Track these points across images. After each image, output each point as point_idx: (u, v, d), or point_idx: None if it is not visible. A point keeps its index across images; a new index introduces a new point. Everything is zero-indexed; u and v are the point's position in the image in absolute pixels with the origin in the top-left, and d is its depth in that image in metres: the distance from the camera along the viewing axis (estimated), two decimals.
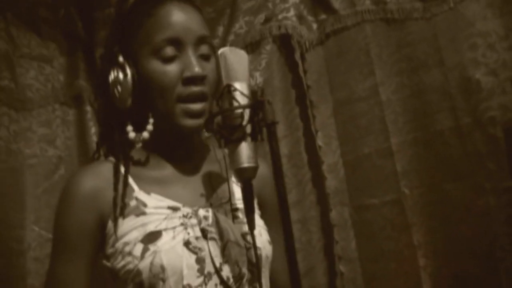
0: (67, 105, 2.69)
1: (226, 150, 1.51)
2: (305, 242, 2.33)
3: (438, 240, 2.16)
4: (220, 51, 1.35)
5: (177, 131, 1.39)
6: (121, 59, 1.37)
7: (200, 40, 1.38)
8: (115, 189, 1.35)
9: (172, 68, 1.35)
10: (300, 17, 2.37)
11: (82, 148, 2.67)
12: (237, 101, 1.39)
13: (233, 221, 1.39)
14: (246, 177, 1.31)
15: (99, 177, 1.38)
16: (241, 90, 1.35)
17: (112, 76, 1.39)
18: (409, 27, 2.21)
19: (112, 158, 1.43)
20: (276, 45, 2.40)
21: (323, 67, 2.38)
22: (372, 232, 2.26)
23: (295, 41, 2.34)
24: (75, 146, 2.68)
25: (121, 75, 1.36)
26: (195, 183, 1.44)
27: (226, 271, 1.30)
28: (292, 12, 2.34)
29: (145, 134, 1.39)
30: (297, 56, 2.34)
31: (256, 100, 1.36)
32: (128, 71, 1.36)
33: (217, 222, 1.35)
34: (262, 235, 1.41)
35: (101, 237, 1.35)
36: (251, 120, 1.36)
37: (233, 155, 1.31)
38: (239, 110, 1.34)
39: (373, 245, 2.26)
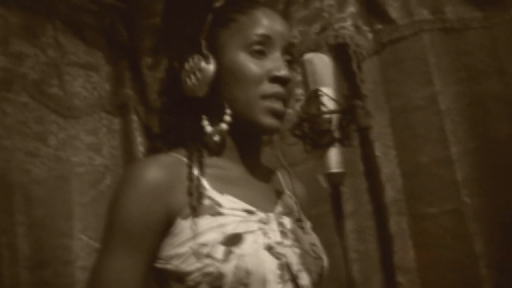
0: (112, 114, 2.67)
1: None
2: (362, 252, 2.32)
3: (501, 250, 2.14)
4: (305, 56, 1.36)
5: (253, 130, 1.38)
6: (205, 47, 1.36)
7: (289, 47, 1.40)
8: (190, 185, 1.29)
9: (260, 64, 1.34)
10: (356, 27, 2.38)
11: (128, 158, 2.66)
12: (325, 106, 1.39)
13: (301, 231, 1.39)
14: (335, 182, 1.30)
15: (168, 169, 1.30)
16: (329, 95, 1.35)
17: (190, 63, 1.36)
18: (468, 36, 2.23)
19: (176, 154, 1.36)
20: (332, 55, 2.40)
21: (378, 77, 2.38)
22: (430, 241, 2.24)
23: (352, 50, 2.35)
24: (120, 155, 2.67)
25: (202, 63, 1.34)
26: (261, 188, 1.43)
27: (301, 279, 1.28)
28: (349, 22, 2.36)
29: (223, 126, 1.35)
30: (355, 65, 2.34)
31: (347, 104, 1.36)
32: (212, 60, 1.34)
33: (292, 230, 1.34)
34: (320, 247, 1.43)
35: (162, 235, 1.26)
36: (340, 125, 1.35)
37: (321, 160, 1.30)
38: (327, 115, 1.33)
39: (432, 254, 2.24)
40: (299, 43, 2.45)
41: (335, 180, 1.31)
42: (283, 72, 1.34)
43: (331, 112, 1.39)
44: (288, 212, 1.41)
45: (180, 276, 1.22)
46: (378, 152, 2.32)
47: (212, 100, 1.36)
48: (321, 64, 1.39)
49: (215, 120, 1.36)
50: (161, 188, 1.26)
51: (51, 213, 2.41)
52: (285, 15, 2.52)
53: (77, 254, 2.42)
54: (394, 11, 2.34)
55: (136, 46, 2.71)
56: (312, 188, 2.34)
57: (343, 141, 1.49)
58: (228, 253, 1.19)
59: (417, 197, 2.29)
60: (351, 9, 2.36)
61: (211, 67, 1.33)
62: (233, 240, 1.21)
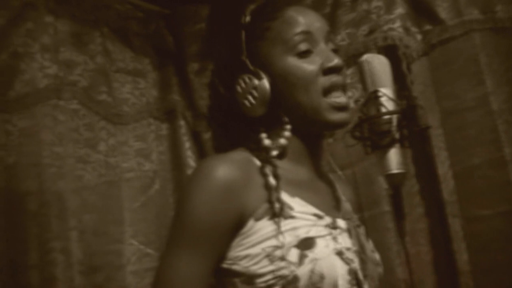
0: (160, 120, 2.70)
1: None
2: (413, 255, 2.30)
3: None
4: (363, 58, 1.35)
5: (319, 129, 1.37)
6: (250, 65, 1.33)
7: (329, 35, 1.36)
8: (266, 187, 1.25)
9: (311, 61, 1.31)
10: (405, 28, 2.36)
11: (176, 163, 2.67)
12: (385, 107, 1.38)
13: (363, 237, 1.36)
14: (395, 183, 1.29)
15: (241, 168, 1.26)
16: (388, 95, 1.34)
17: (242, 85, 1.34)
18: None
19: (245, 152, 1.34)
20: None
21: (428, 78, 2.36)
22: (484, 244, 2.21)
23: (402, 52, 2.33)
24: (169, 161, 2.68)
25: (255, 81, 1.31)
26: (326, 192, 1.41)
27: (366, 286, 1.26)
28: (398, 23, 2.33)
29: (282, 141, 1.33)
30: (404, 66, 2.32)
31: (407, 104, 1.35)
32: (263, 75, 1.31)
33: (357, 236, 1.32)
34: (377, 254, 1.39)
35: (232, 235, 1.23)
36: (400, 125, 1.34)
37: (382, 161, 1.28)
38: (387, 116, 1.33)
39: (486, 257, 2.20)
40: (347, 45, 2.45)
41: (395, 181, 1.30)
42: (335, 61, 1.30)
43: (391, 112, 1.39)
44: (349, 218, 1.38)
45: (250, 278, 1.19)
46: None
47: (270, 114, 1.33)
48: (379, 64, 1.39)
49: (274, 134, 1.35)
50: (233, 187, 1.23)
51: (103, 218, 2.44)
52: (332, 18, 2.52)
53: (128, 259, 2.45)
54: (443, 12, 2.31)
55: (182, 52, 2.73)
56: (364, 190, 2.36)
57: (403, 142, 1.48)
58: (303, 257, 1.17)
59: (470, 199, 2.25)
60: (400, 10, 2.34)
61: (265, 82, 1.31)
62: (306, 244, 1.19)
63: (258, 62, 1.33)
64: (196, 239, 1.22)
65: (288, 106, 1.33)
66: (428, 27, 2.36)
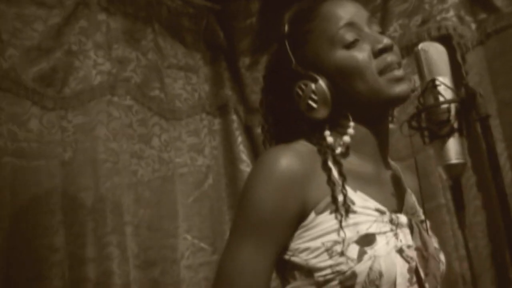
0: (212, 115, 2.71)
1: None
2: (471, 248, 2.25)
3: None
4: (420, 46, 1.31)
5: (384, 110, 1.36)
6: (302, 71, 1.32)
7: (371, 20, 1.35)
8: (330, 180, 1.24)
9: (361, 49, 1.30)
10: (459, 17, 2.31)
11: (229, 158, 2.68)
12: (442, 96, 1.35)
13: (426, 233, 1.33)
14: (455, 174, 1.26)
15: (304, 160, 1.25)
16: (446, 84, 1.31)
17: (299, 91, 1.32)
18: None
19: (308, 144, 1.33)
20: None
21: (484, 68, 2.30)
22: None
23: (456, 41, 2.28)
24: (221, 155, 2.70)
25: (312, 85, 1.30)
26: (389, 185, 1.38)
27: (426, 283, 1.24)
28: (452, 13, 2.29)
29: (346, 139, 1.32)
30: (459, 57, 2.28)
31: (466, 93, 1.31)
32: (318, 77, 1.30)
33: (420, 233, 1.29)
34: (441, 251, 1.36)
35: (294, 227, 1.23)
36: (459, 114, 1.31)
37: (441, 151, 1.25)
38: (445, 105, 1.29)
39: None
40: (400, 36, 2.41)
41: (455, 172, 1.26)
42: (384, 41, 1.29)
43: (449, 101, 1.35)
44: (413, 213, 1.37)
45: (309, 270, 1.19)
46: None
47: (334, 112, 1.32)
48: (436, 53, 1.36)
49: (338, 131, 1.34)
50: (297, 178, 1.23)
51: (157, 213, 2.47)
52: (384, 10, 2.49)
53: (182, 254, 2.47)
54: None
55: (233, 47, 2.74)
56: (422, 182, 2.32)
57: (463, 131, 1.45)
58: (362, 253, 1.16)
59: None
60: None
61: (321, 83, 1.30)
62: (367, 240, 1.18)
63: (309, 65, 1.33)
64: (260, 229, 1.23)
65: (349, 99, 1.32)
66: (483, 15, 2.31)
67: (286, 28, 1.38)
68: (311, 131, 1.36)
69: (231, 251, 1.26)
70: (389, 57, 1.30)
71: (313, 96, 1.30)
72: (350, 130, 1.32)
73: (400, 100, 1.33)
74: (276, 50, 1.42)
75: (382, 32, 1.36)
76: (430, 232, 1.36)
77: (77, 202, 2.29)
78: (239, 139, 2.64)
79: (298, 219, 1.22)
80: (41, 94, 2.29)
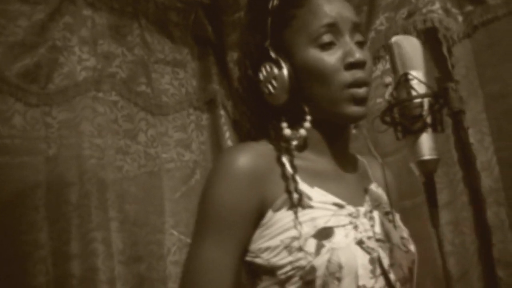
0: (200, 110, 2.70)
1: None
2: (458, 244, 2.22)
3: None
4: (393, 39, 1.29)
5: (338, 121, 1.33)
6: (273, 54, 1.31)
7: (355, 27, 1.32)
8: (287, 183, 1.24)
9: (333, 54, 1.28)
10: (445, 10, 2.28)
11: (216, 153, 2.68)
12: (415, 90, 1.33)
13: (391, 224, 1.33)
14: (428, 170, 1.24)
15: (262, 158, 1.26)
16: (419, 78, 1.29)
17: (264, 73, 1.31)
18: None
19: (265, 143, 1.32)
20: (421, 40, 2.30)
21: (471, 61, 2.26)
22: None
23: (442, 34, 2.25)
24: (210, 150, 2.70)
25: (275, 70, 1.29)
26: (349, 180, 1.37)
27: (392, 274, 1.22)
28: (437, 5, 2.25)
29: (302, 132, 1.31)
30: (445, 50, 2.24)
31: (439, 87, 1.29)
32: (283, 64, 1.29)
33: (382, 224, 1.28)
34: (411, 241, 1.35)
35: (254, 226, 1.23)
36: (432, 109, 1.29)
37: (414, 147, 1.23)
38: (418, 100, 1.27)
39: None
40: (386, 29, 2.38)
41: (428, 168, 1.24)
42: (357, 55, 1.27)
43: (422, 96, 1.33)
44: (377, 205, 1.35)
45: (271, 270, 1.19)
46: (472, 139, 2.21)
47: (291, 104, 1.31)
48: (410, 46, 1.34)
49: (295, 124, 1.33)
50: (255, 176, 1.24)
51: (143, 209, 2.47)
52: (371, 3, 2.46)
53: (169, 249, 2.47)
54: None
55: (222, 41, 2.72)
56: (405, 179, 2.30)
57: (436, 127, 1.43)
58: (320, 247, 1.15)
59: None
60: None
61: (284, 72, 1.29)
62: (324, 233, 1.18)
63: (282, 50, 1.31)
64: (220, 227, 1.23)
65: (309, 97, 1.31)
66: (469, 7, 2.26)
67: (275, 4, 1.35)
68: (271, 121, 1.35)
69: (194, 250, 1.26)
70: (358, 74, 1.28)
71: (274, 81, 1.29)
72: (307, 124, 1.31)
73: (352, 120, 1.33)
74: (256, 24, 1.40)
75: (364, 42, 1.34)
76: (399, 223, 1.36)
77: (61, 198, 2.30)
78: (227, 134, 2.63)
79: (257, 217, 1.23)
80: (24, 90, 2.28)
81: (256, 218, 1.23)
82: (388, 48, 1.31)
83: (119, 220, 2.37)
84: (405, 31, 2.31)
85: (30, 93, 2.29)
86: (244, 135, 1.43)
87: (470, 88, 2.25)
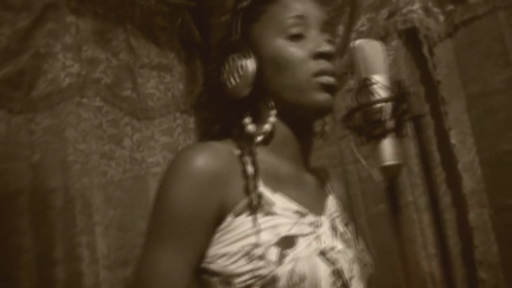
0: (187, 113, 2.70)
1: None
2: (440, 247, 2.19)
3: None
4: (355, 43, 1.28)
5: (305, 114, 1.30)
6: (240, 45, 1.29)
7: (325, 25, 1.31)
8: (247, 183, 1.19)
9: (301, 46, 1.26)
10: (426, 10, 2.25)
11: None
12: (377, 94, 1.31)
13: (352, 235, 1.31)
14: (390, 175, 1.22)
15: (223, 159, 1.20)
16: (381, 83, 1.28)
17: (227, 66, 1.29)
18: None
19: (227, 144, 1.27)
20: (402, 41, 2.30)
21: (453, 61, 2.23)
22: None
23: (422, 34, 2.23)
24: None
25: (239, 62, 1.27)
26: (312, 188, 1.35)
27: (352, 286, 1.21)
28: (417, 5, 2.23)
29: (267, 127, 1.28)
30: (425, 50, 2.22)
31: (399, 92, 1.28)
32: (251, 54, 1.27)
33: (343, 235, 1.27)
34: (367, 253, 1.32)
35: (212, 231, 1.17)
36: (393, 114, 1.28)
37: (375, 152, 1.22)
38: (379, 104, 1.26)
39: None
40: (367, 30, 2.36)
41: (390, 173, 1.23)
42: (325, 47, 1.26)
43: (381, 100, 1.32)
44: (337, 216, 1.33)
45: (227, 277, 1.14)
46: (454, 140, 2.19)
47: (256, 98, 1.29)
48: (372, 50, 1.33)
49: (260, 119, 1.31)
50: (215, 178, 1.17)
51: (129, 213, 2.48)
52: (353, 3, 2.44)
53: None
54: None
55: (209, 44, 2.72)
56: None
57: (397, 132, 1.41)
58: (283, 256, 1.12)
59: (499, 187, 2.12)
60: None
61: (251, 62, 1.26)
62: (287, 242, 1.14)
63: (250, 43, 1.30)
64: (175, 232, 1.16)
65: (274, 89, 1.28)
66: (450, 7, 2.23)
67: (246, 3, 1.35)
68: (234, 117, 1.33)
69: (146, 256, 1.18)
70: (325, 65, 1.26)
71: (239, 71, 1.27)
72: (271, 119, 1.28)
73: (320, 109, 1.29)
74: (229, 22, 1.40)
75: (332, 42, 1.31)
76: (357, 235, 1.33)
77: (46, 203, 2.32)
78: None
79: (216, 221, 1.17)
80: (8, 97, 2.30)
81: (215, 222, 1.17)
82: (351, 52, 1.30)
83: (104, 225, 2.38)
84: (386, 32, 2.30)
85: (14, 100, 2.31)
86: (208, 135, 1.41)
87: (452, 88, 2.23)
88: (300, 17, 1.28)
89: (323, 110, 1.30)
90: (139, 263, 1.19)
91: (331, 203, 1.36)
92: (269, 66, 1.28)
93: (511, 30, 2.11)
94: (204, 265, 1.17)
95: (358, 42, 1.32)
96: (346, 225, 1.32)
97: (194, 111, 2.70)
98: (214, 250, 1.16)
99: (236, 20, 1.34)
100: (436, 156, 2.26)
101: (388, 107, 1.26)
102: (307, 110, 1.28)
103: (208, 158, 1.18)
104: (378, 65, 1.30)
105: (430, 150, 2.26)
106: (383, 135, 1.23)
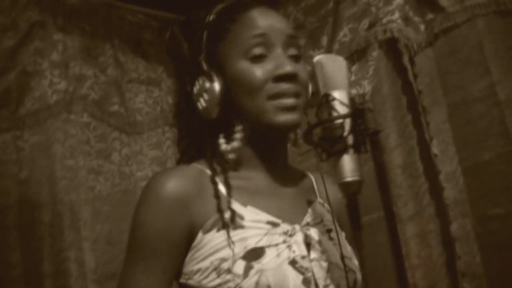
0: (176, 127, 2.71)
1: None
2: (424, 257, 2.18)
3: None
4: (315, 59, 1.27)
5: (272, 133, 1.31)
6: (205, 67, 1.31)
7: (289, 40, 1.31)
8: (218, 201, 1.23)
9: (262, 67, 1.27)
10: (406, 19, 2.24)
11: None
12: (336, 110, 1.31)
13: (331, 242, 1.30)
14: (350, 192, 1.21)
15: (191, 181, 1.25)
16: (340, 99, 1.28)
17: (197, 87, 1.32)
18: None
19: (198, 165, 1.31)
20: (383, 51, 2.29)
21: (434, 70, 2.22)
22: (498, 245, 2.05)
23: (402, 44, 2.21)
24: None
25: (207, 84, 1.29)
26: (289, 196, 1.35)
27: None
28: (397, 15, 2.22)
29: (235, 144, 1.31)
30: (406, 60, 2.21)
31: (355, 108, 1.27)
32: (215, 78, 1.29)
33: (319, 242, 1.26)
34: (353, 259, 1.32)
35: (185, 249, 1.22)
36: (352, 130, 1.27)
37: (336, 168, 1.21)
38: (339, 121, 1.26)
39: (501, 259, 2.05)
40: (349, 41, 2.36)
41: (350, 189, 1.22)
42: (286, 68, 1.26)
43: (339, 117, 1.32)
44: (318, 222, 1.33)
45: None
46: (436, 150, 2.17)
47: (225, 117, 1.32)
48: (332, 66, 1.32)
49: (230, 137, 1.33)
50: (183, 200, 1.23)
51: (117, 227, 2.50)
52: (335, 14, 2.44)
53: None
54: None
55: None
56: (366, 194, 2.26)
57: (357, 148, 1.41)
58: (248, 268, 1.14)
59: (481, 197, 2.10)
60: (398, 0, 2.22)
61: (215, 85, 1.29)
62: (254, 254, 1.16)
63: (216, 64, 1.31)
64: (148, 253, 1.22)
65: (240, 110, 1.30)
66: (430, 16, 2.22)
67: (211, 18, 1.36)
68: (207, 137, 1.35)
69: (124, 276, 1.26)
70: (285, 86, 1.26)
71: (205, 95, 1.29)
72: (238, 135, 1.31)
73: (282, 129, 1.30)
74: (193, 38, 1.41)
75: (298, 56, 1.33)
76: (343, 242, 1.33)
77: (34, 219, 2.35)
78: None
79: (187, 241, 1.22)
80: None
81: (187, 242, 1.22)
82: (312, 68, 1.30)
83: (92, 239, 2.41)
84: (367, 42, 2.29)
85: (1, 118, 2.35)
86: (183, 155, 1.44)
87: (433, 97, 2.21)
88: (262, 35, 1.28)
89: (285, 130, 1.32)
90: (117, 282, 1.27)
91: (316, 209, 1.36)
92: (233, 88, 1.29)
93: (489, 38, 2.09)
94: (184, 281, 1.22)
95: (318, 58, 1.31)
96: (328, 231, 1.31)
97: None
98: (190, 266, 1.21)
99: (201, 37, 1.35)
100: (420, 166, 2.24)
101: (347, 123, 1.26)
102: (270, 130, 1.30)
103: (176, 183, 1.24)
104: (338, 81, 1.30)
105: (412, 160, 2.25)
106: (343, 151, 1.22)
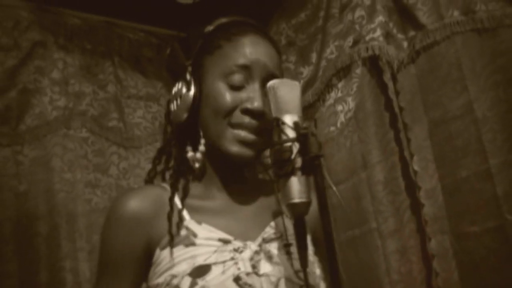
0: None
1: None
2: (404, 273, 2.18)
3: None
4: (268, 84, 1.31)
5: (225, 158, 1.36)
6: (188, 74, 1.40)
7: (270, 77, 1.34)
8: (170, 214, 1.31)
9: (235, 95, 1.34)
10: (389, 36, 2.25)
11: None
12: (285, 134, 1.35)
13: (287, 257, 1.33)
14: (297, 213, 1.25)
15: (150, 201, 1.35)
16: (288, 124, 1.31)
17: (175, 89, 1.42)
18: (501, 35, 1.99)
19: (163, 184, 1.41)
20: (366, 68, 2.30)
21: (416, 86, 2.22)
22: (474, 262, 2.04)
23: (384, 61, 2.22)
24: None
25: (184, 90, 1.38)
26: (248, 215, 1.40)
27: None
28: (378, 32, 2.22)
29: (198, 155, 1.38)
30: (387, 77, 2.22)
31: (299, 133, 1.31)
32: (193, 87, 1.37)
33: (269, 258, 1.31)
34: (315, 273, 1.35)
35: (146, 265, 1.32)
36: (301, 153, 1.31)
37: (284, 190, 1.26)
38: (288, 144, 1.30)
39: (477, 277, 2.03)
40: (335, 58, 2.38)
41: (298, 210, 1.26)
42: (255, 104, 1.33)
43: (284, 141, 1.36)
44: (278, 237, 1.37)
45: None
46: (417, 166, 2.17)
47: (192, 126, 1.39)
48: (285, 90, 1.36)
49: (196, 147, 1.40)
50: (141, 219, 1.32)
51: None
52: (323, 31, 2.47)
53: None
54: (423, 16, 2.16)
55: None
56: (354, 207, 2.29)
57: (304, 170, 1.45)
58: (193, 285, 1.21)
59: (459, 214, 2.09)
60: (380, 18, 2.23)
61: (190, 93, 1.37)
62: (200, 271, 1.23)
63: (198, 74, 1.40)
64: (113, 267, 1.33)
65: (202, 125, 1.38)
66: (412, 33, 2.22)
67: (210, 29, 1.45)
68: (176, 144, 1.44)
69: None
70: (249, 120, 1.34)
71: (179, 99, 1.39)
72: (202, 147, 1.38)
73: (235, 160, 1.36)
74: (186, 45, 1.49)
75: None
76: (309, 255, 1.36)
77: (31, 230, 2.45)
78: None
79: (147, 256, 1.32)
80: None
81: (147, 257, 1.32)
82: (266, 93, 1.34)
83: (87, 250, 2.49)
84: (351, 60, 2.31)
85: (1, 134, 2.46)
86: (149, 174, 1.52)
87: (415, 114, 2.21)
88: (245, 67, 1.35)
89: (237, 161, 1.37)
90: None
91: (280, 223, 1.40)
92: (204, 102, 1.37)
93: (467, 55, 2.08)
94: None
95: (271, 82, 1.35)
96: (286, 245, 1.35)
97: None
98: (151, 281, 1.30)
99: (195, 45, 1.45)
100: (401, 182, 2.24)
101: (295, 146, 1.30)
102: (224, 156, 1.36)
103: (134, 203, 1.34)
104: (290, 105, 1.33)
105: (394, 176, 2.25)
106: (290, 173, 1.26)
